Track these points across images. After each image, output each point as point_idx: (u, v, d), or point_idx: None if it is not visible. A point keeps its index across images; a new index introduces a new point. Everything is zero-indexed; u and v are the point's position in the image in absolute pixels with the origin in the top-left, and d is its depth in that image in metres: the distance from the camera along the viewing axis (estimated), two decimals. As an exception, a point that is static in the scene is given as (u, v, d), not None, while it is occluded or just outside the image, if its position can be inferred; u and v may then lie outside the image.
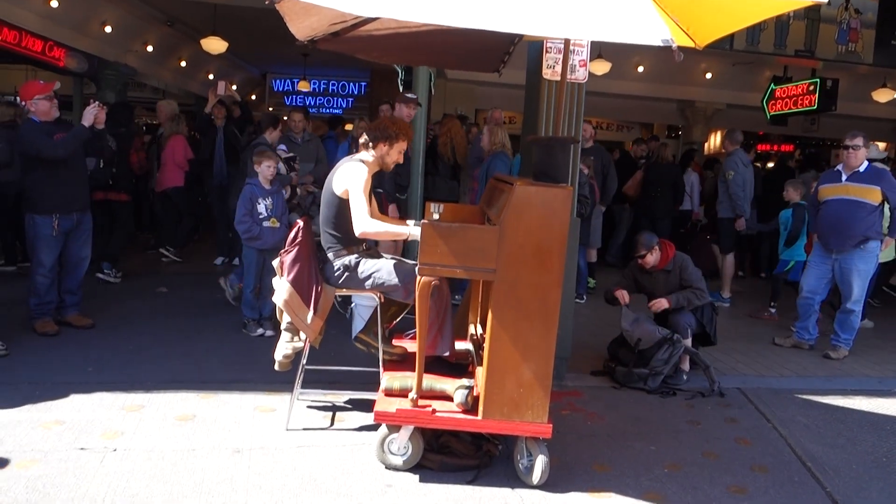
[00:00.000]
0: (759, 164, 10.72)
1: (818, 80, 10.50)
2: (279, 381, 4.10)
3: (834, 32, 10.27)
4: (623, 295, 4.98)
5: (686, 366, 4.89)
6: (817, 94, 10.47)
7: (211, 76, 14.92)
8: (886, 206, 5.71)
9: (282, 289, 3.61)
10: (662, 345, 4.68)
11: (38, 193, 4.86)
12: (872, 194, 5.51)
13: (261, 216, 5.21)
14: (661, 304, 4.88)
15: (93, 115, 4.90)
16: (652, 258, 4.95)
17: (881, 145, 13.59)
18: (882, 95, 11.53)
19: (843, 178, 5.66)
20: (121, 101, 10.32)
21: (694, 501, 3.22)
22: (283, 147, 6.41)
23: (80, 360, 4.50)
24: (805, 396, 4.79)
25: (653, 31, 2.47)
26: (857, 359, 5.76)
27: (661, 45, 2.37)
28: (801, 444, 3.94)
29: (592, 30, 2.71)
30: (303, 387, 3.77)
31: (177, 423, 3.64)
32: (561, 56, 4.39)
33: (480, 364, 3.40)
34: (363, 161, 3.69)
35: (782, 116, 11.63)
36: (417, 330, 3.19)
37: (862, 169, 5.60)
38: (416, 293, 3.15)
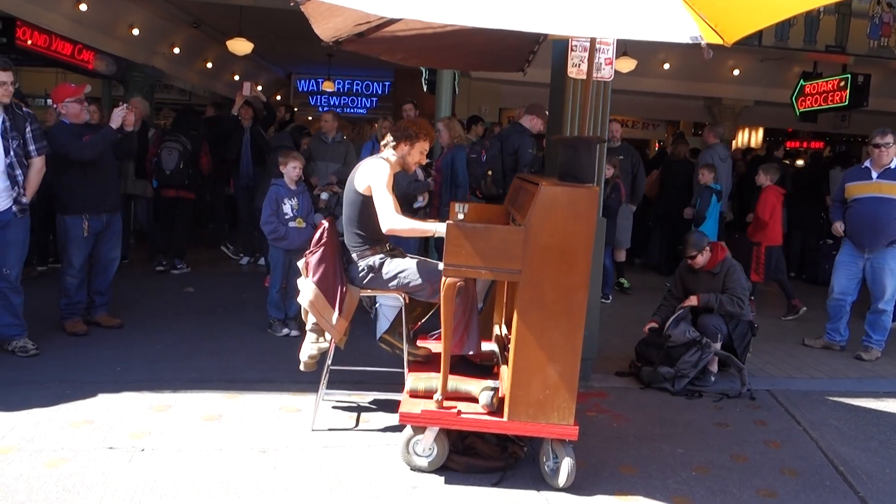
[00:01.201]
0: (787, 162, 10.56)
1: (849, 75, 10.30)
2: (304, 382, 4.12)
3: (866, 27, 10.06)
4: (653, 324, 4.90)
5: (714, 367, 4.82)
6: (848, 90, 10.27)
7: (237, 77, 15.04)
8: None
9: (307, 289, 3.62)
10: (691, 347, 4.62)
11: (68, 195, 4.94)
12: (907, 190, 5.39)
13: (286, 216, 5.23)
14: (690, 301, 4.81)
15: (120, 117, 4.96)
16: (702, 259, 4.88)
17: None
18: (915, 91, 11.30)
19: (874, 175, 5.54)
20: (189, 107, 10.60)
21: (723, 505, 3.17)
22: None
23: (108, 359, 4.56)
24: (836, 399, 4.70)
25: (681, 28, 2.43)
26: (889, 360, 5.64)
27: (690, 42, 2.33)
28: (832, 448, 3.87)
29: (620, 28, 2.67)
30: (328, 387, 3.78)
31: (203, 423, 3.67)
32: (586, 54, 4.35)
33: (506, 365, 3.38)
34: (385, 159, 3.69)
35: (812, 113, 11.42)
36: (443, 331, 3.18)
37: (893, 165, 5.48)
38: (442, 294, 3.14)
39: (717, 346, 4.75)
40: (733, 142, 13.90)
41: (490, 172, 5.94)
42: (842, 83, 10.43)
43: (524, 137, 6.06)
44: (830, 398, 4.70)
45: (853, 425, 4.25)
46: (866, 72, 10.36)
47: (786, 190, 7.82)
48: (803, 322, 6.72)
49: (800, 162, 11.30)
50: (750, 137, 15.75)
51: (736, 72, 11.90)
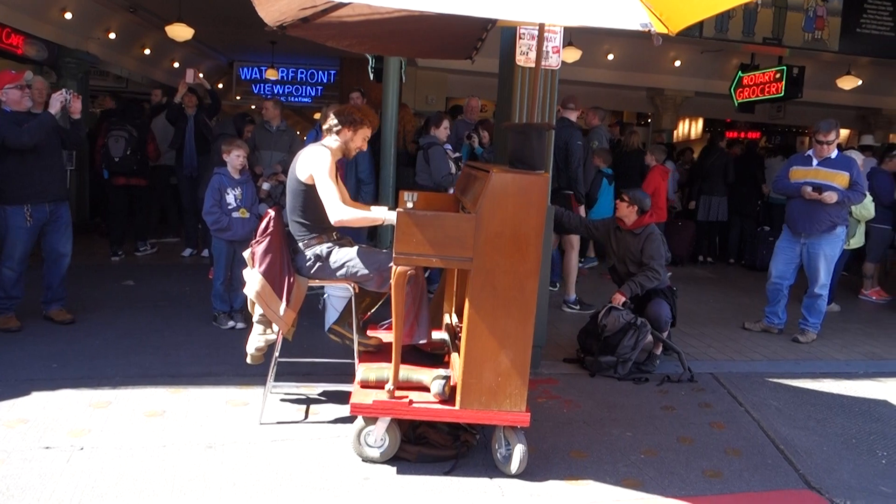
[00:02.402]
0: (727, 151, 10.84)
1: (784, 67, 10.61)
2: (251, 375, 4.04)
3: (801, 20, 10.37)
4: (617, 298, 4.86)
5: (658, 350, 4.92)
6: (784, 82, 10.58)
7: (176, 64, 14.60)
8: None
9: (253, 280, 3.53)
10: (628, 330, 4.68)
11: (8, 183, 4.76)
12: (841, 179, 5.58)
13: (230, 206, 5.11)
14: (618, 298, 4.84)
15: (59, 102, 4.78)
16: (626, 210, 4.94)
17: (844, 132, 13.84)
18: (846, 83, 11.69)
19: (814, 163, 5.73)
20: (131, 97, 10.46)
21: (671, 486, 3.23)
22: (448, 146, 6.34)
23: (45, 356, 4.38)
24: (776, 380, 4.85)
25: (630, 15, 2.44)
26: (825, 342, 5.85)
27: (640, 29, 2.34)
28: (773, 427, 3.98)
29: (570, 15, 2.67)
30: (276, 380, 3.71)
31: (146, 419, 3.55)
32: (534, 42, 4.36)
33: (457, 353, 3.37)
34: (326, 146, 3.62)
35: (750, 104, 11.73)
36: (393, 320, 3.15)
37: (833, 156, 5.68)
38: (392, 282, 3.10)
39: (666, 332, 4.84)
40: (674, 132, 14.18)
41: None
42: (778, 75, 10.74)
43: (573, 131, 6.40)
44: (770, 380, 4.84)
45: (792, 405, 4.39)
46: (801, 64, 10.68)
47: (670, 170, 8.37)
48: (743, 307, 6.91)
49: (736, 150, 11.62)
50: (690, 128, 16.11)
51: (677, 63, 12.12)
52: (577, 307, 6.39)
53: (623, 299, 4.82)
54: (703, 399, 4.40)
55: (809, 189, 5.60)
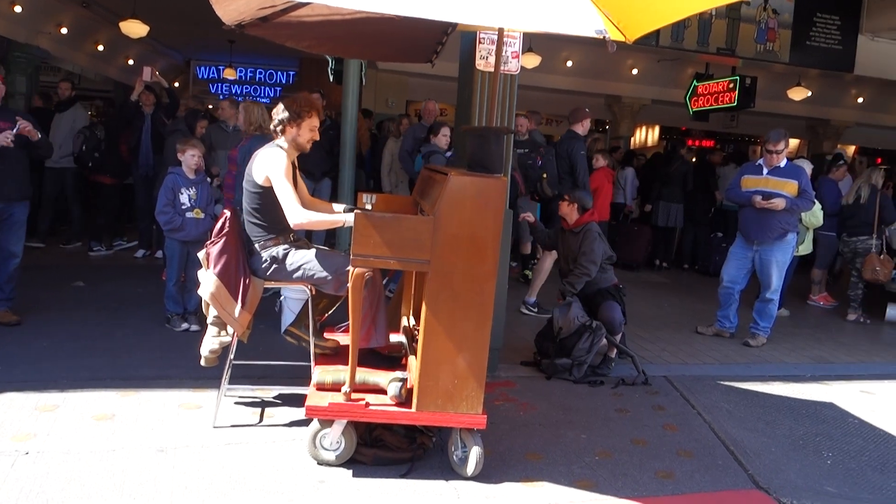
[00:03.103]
0: (688, 160, 11.06)
1: (738, 77, 10.87)
2: (205, 377, 3.97)
3: (753, 31, 10.64)
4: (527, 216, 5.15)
5: (613, 353, 4.98)
6: (737, 92, 10.83)
7: (131, 62, 14.33)
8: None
9: (208, 281, 3.48)
10: (583, 333, 4.73)
11: None
12: (790, 187, 5.74)
13: (183, 206, 5.02)
14: (559, 299, 4.95)
15: (8, 139, 4.70)
16: (567, 209, 5.06)
17: (794, 142, 14.24)
18: (797, 94, 12.03)
19: (765, 171, 5.88)
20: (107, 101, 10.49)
21: (624, 487, 3.27)
22: (449, 153, 6.39)
23: (-12, 358, 4.25)
24: (727, 383, 4.95)
25: (587, 22, 2.48)
26: (774, 346, 6.00)
27: (595, 35, 2.37)
28: (724, 429, 4.07)
29: (528, 20, 2.70)
30: (230, 382, 3.65)
31: (95, 423, 3.47)
32: (494, 47, 4.38)
33: (414, 356, 3.36)
34: (280, 147, 3.59)
35: (704, 112, 11.98)
36: (350, 322, 3.13)
37: (782, 165, 5.84)
38: (350, 285, 3.09)
39: (619, 336, 4.91)
40: (632, 139, 14.40)
41: (545, 175, 6.50)
42: (731, 84, 10.99)
43: (576, 143, 6.74)
44: (722, 383, 4.95)
45: (743, 408, 4.48)
46: (753, 75, 10.95)
47: (614, 171, 8.70)
48: (697, 311, 7.05)
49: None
50: (647, 135, 16.38)
51: (634, 71, 12.33)
52: (535, 310, 6.44)
53: (561, 301, 4.91)
54: (657, 402, 4.47)
55: (759, 198, 5.75)
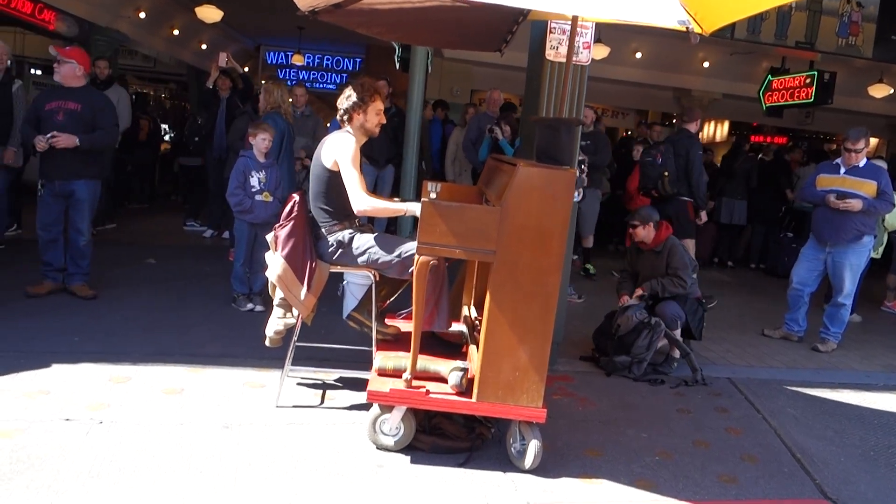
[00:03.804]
0: (752, 154, 10.74)
1: (816, 72, 10.47)
2: (269, 357, 4.05)
3: (835, 25, 10.22)
4: (625, 299, 4.91)
5: (676, 353, 4.88)
6: (814, 87, 10.44)
7: (204, 46, 14.67)
8: None
9: (276, 264, 3.55)
10: (642, 330, 4.64)
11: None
12: (868, 188, 5.50)
13: (253, 189, 5.13)
14: (637, 293, 4.86)
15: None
16: (643, 232, 4.91)
17: (873, 141, 13.65)
18: (878, 91, 11.52)
19: (842, 170, 5.66)
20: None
21: (685, 489, 3.21)
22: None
23: (66, 329, 4.43)
24: (794, 388, 4.80)
25: (668, 12, 2.41)
26: (845, 352, 5.79)
27: (678, 26, 2.31)
28: (790, 436, 3.95)
29: (605, 8, 2.64)
30: (293, 364, 3.72)
31: (164, 397, 3.58)
32: (565, 37, 4.33)
33: (475, 346, 3.36)
34: (350, 133, 3.61)
35: (778, 108, 11.60)
36: (414, 308, 3.15)
37: (861, 164, 5.60)
38: (414, 272, 3.10)
39: (677, 332, 4.79)
40: (700, 133, 14.03)
41: (666, 174, 6.69)
42: (808, 80, 10.60)
43: (693, 142, 6.92)
44: (788, 387, 4.80)
45: (810, 414, 4.34)
46: (832, 69, 10.53)
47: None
48: (764, 312, 6.84)
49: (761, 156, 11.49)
50: (716, 130, 15.95)
51: (706, 64, 12.00)
52: None
53: (641, 293, 4.82)
54: (720, 404, 4.37)
55: (833, 197, 5.53)
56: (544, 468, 3.18)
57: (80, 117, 4.92)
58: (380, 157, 7.18)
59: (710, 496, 3.18)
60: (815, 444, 3.87)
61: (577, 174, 6.18)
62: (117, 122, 5.31)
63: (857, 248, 5.63)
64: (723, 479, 3.36)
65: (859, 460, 3.76)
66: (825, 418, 4.31)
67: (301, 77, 16.96)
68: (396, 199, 3.98)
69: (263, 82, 6.37)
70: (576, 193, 6.24)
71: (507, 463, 3.22)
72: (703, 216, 7.06)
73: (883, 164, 6.55)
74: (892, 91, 11.59)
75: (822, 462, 3.65)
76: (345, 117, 3.63)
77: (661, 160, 6.82)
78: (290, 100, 6.99)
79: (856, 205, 5.44)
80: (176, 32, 13.31)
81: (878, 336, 6.55)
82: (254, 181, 5.12)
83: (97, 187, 5.21)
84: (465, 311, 4.13)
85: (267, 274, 3.64)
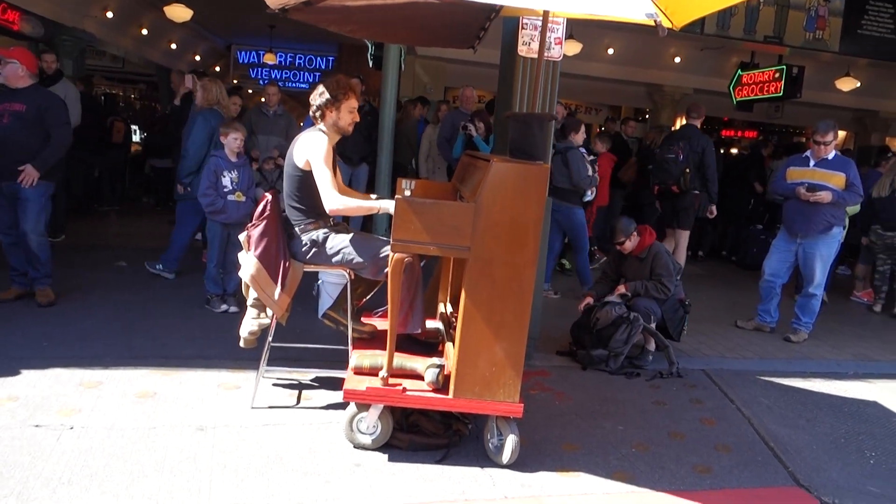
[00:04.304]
0: (721, 151, 10.88)
1: (784, 66, 10.60)
2: (244, 359, 4.02)
3: (802, 19, 10.35)
4: (588, 300, 4.98)
5: (652, 346, 4.92)
6: (783, 81, 10.57)
7: (174, 46, 14.49)
8: None
9: (248, 264, 3.51)
10: (620, 325, 4.69)
11: None
12: (837, 180, 5.59)
13: (225, 189, 5.07)
14: (619, 289, 4.92)
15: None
16: (630, 244, 4.96)
17: (841, 134, 13.88)
18: (845, 84, 11.70)
19: (811, 163, 5.74)
20: None
21: (661, 480, 3.24)
22: (583, 150, 6.57)
23: (35, 334, 4.35)
24: (767, 378, 4.87)
25: (637, 5, 2.42)
26: (816, 342, 5.88)
27: (646, 20, 2.32)
28: (763, 425, 4.00)
29: (576, 3, 2.65)
30: (268, 364, 3.69)
31: (137, 401, 3.53)
32: (536, 33, 4.34)
33: (451, 342, 3.36)
34: (322, 131, 3.59)
35: (748, 102, 11.73)
36: (389, 307, 3.13)
37: (830, 157, 5.69)
38: (389, 270, 3.09)
39: (652, 326, 4.84)
40: (672, 128, 14.18)
41: (688, 170, 6.90)
42: (777, 74, 10.73)
43: (707, 138, 7.20)
44: (761, 377, 4.86)
45: (782, 403, 4.40)
46: (801, 63, 10.67)
47: (616, 158, 8.65)
48: (736, 304, 6.93)
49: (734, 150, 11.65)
50: (688, 125, 16.08)
51: (677, 59, 12.10)
52: None
53: (622, 291, 4.86)
54: (695, 395, 4.41)
55: (803, 189, 5.61)
56: (522, 463, 3.19)
57: (25, 119, 4.76)
58: (353, 155, 7.15)
59: (686, 486, 3.21)
60: (787, 433, 3.93)
61: (591, 173, 6.34)
62: (69, 119, 5.10)
63: (827, 240, 5.72)
64: (698, 469, 3.39)
65: (830, 447, 3.82)
66: (797, 407, 4.38)
67: (273, 76, 16.83)
68: (373, 195, 3.96)
69: (200, 80, 6.16)
70: (588, 192, 6.48)
71: (485, 458, 3.22)
72: (713, 209, 7.26)
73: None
74: (858, 84, 11.77)
75: (795, 450, 3.70)
76: (317, 114, 3.61)
77: (682, 157, 7.01)
78: (222, 99, 6.85)
79: (825, 196, 5.53)
80: (144, 32, 13.13)
81: (848, 326, 6.67)
82: (226, 181, 5.07)
83: (47, 188, 4.96)
84: (441, 307, 4.12)
85: (240, 274, 3.60)
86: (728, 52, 11.74)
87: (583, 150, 6.54)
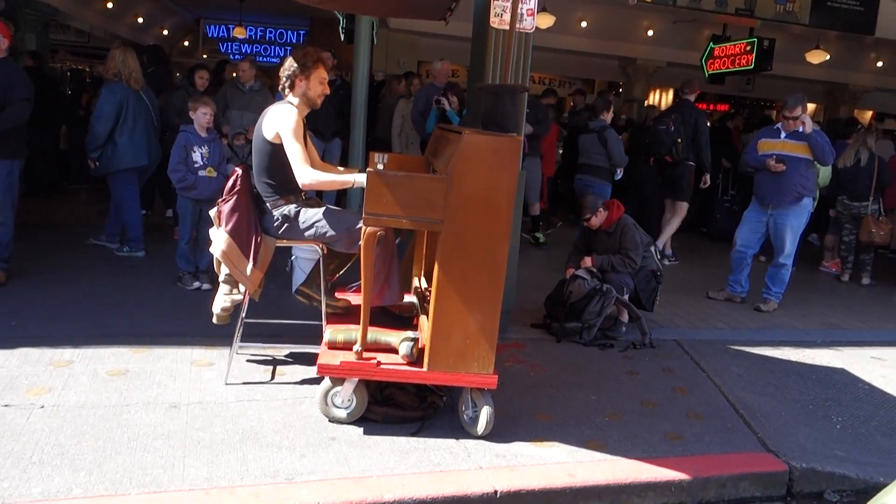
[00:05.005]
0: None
1: (755, 39, 10.65)
2: (217, 335, 3.98)
3: (773, -8, 10.41)
4: (570, 272, 4.99)
5: (625, 317, 4.98)
6: (754, 54, 10.63)
7: (140, 20, 14.19)
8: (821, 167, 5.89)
9: (220, 239, 3.47)
10: (593, 296, 4.73)
11: None
12: (806, 149, 5.66)
13: (196, 165, 4.99)
14: (585, 262, 4.95)
15: None
16: (597, 220, 4.99)
17: (811, 107, 14.02)
18: (815, 57, 11.80)
19: (782, 135, 5.80)
20: None
21: (634, 448, 3.29)
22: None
23: (2, 313, 4.27)
24: (737, 347, 4.94)
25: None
26: (786, 312, 5.98)
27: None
28: (734, 393, 4.07)
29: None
30: (242, 340, 3.67)
31: (109, 379, 3.50)
32: (508, 4, 4.29)
33: (426, 316, 3.36)
34: (291, 103, 3.54)
35: (720, 75, 11.79)
36: (362, 281, 3.12)
37: (800, 129, 5.74)
38: (362, 244, 3.07)
39: (625, 297, 4.89)
40: (646, 101, 14.22)
41: (679, 140, 7.22)
42: (748, 47, 10.78)
43: (699, 112, 7.49)
44: (732, 347, 4.94)
45: (752, 372, 4.48)
46: (771, 37, 10.74)
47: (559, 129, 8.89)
48: (708, 275, 7.01)
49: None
50: (661, 98, 16.15)
51: (650, 32, 12.11)
52: (675, 260, 7.64)
53: (589, 265, 4.88)
54: (667, 365, 4.48)
55: (773, 161, 5.67)
56: (497, 434, 3.22)
57: None
58: (325, 130, 7.07)
59: (658, 453, 3.26)
60: (757, 400, 4.00)
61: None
62: (30, 95, 4.87)
63: (797, 210, 5.80)
64: (670, 436, 3.45)
65: (799, 413, 3.90)
66: (767, 375, 4.46)
67: (244, 50, 16.57)
68: (339, 167, 3.91)
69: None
70: (618, 171, 6.81)
71: (460, 430, 3.25)
72: (707, 179, 7.56)
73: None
74: (828, 57, 11.89)
75: (764, 417, 3.78)
76: (286, 84, 3.55)
77: (673, 128, 7.23)
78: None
79: (808, 125, 5.69)
80: (110, 5, 12.83)
81: (816, 295, 6.79)
82: (196, 156, 4.99)
83: (12, 167, 4.83)
84: (415, 282, 4.12)
85: (211, 250, 3.56)
86: (700, 25, 11.78)
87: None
